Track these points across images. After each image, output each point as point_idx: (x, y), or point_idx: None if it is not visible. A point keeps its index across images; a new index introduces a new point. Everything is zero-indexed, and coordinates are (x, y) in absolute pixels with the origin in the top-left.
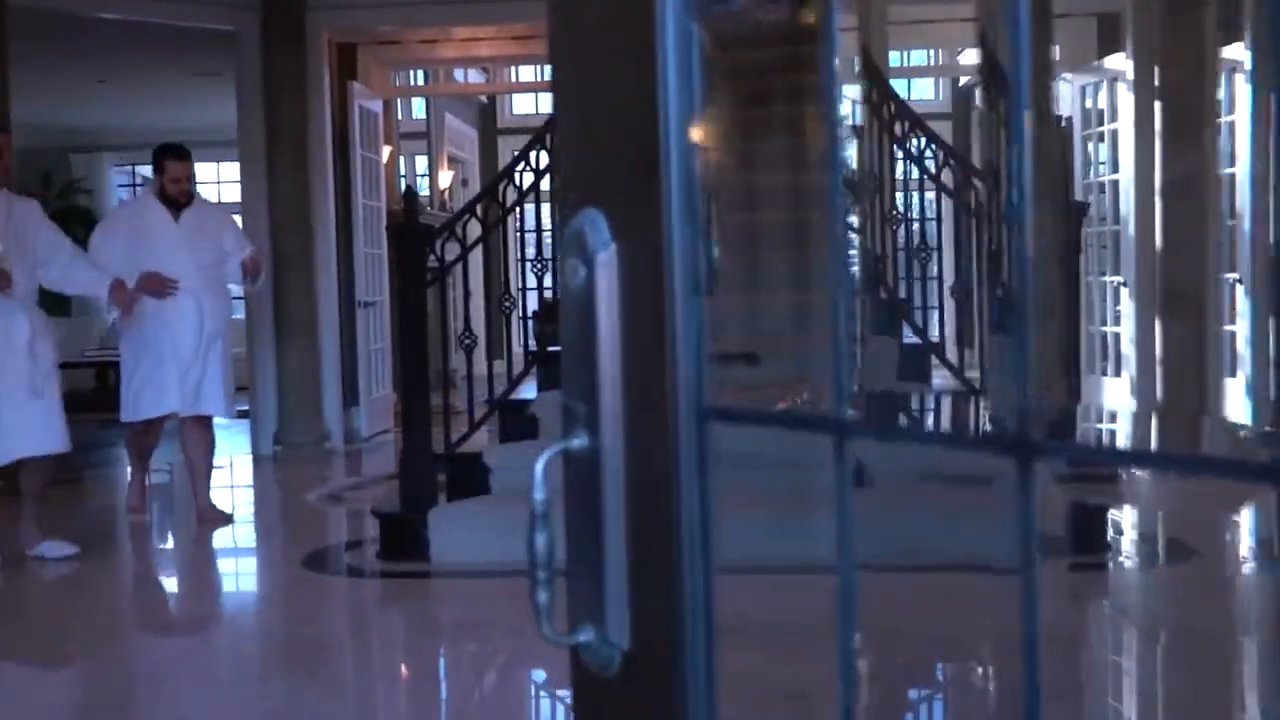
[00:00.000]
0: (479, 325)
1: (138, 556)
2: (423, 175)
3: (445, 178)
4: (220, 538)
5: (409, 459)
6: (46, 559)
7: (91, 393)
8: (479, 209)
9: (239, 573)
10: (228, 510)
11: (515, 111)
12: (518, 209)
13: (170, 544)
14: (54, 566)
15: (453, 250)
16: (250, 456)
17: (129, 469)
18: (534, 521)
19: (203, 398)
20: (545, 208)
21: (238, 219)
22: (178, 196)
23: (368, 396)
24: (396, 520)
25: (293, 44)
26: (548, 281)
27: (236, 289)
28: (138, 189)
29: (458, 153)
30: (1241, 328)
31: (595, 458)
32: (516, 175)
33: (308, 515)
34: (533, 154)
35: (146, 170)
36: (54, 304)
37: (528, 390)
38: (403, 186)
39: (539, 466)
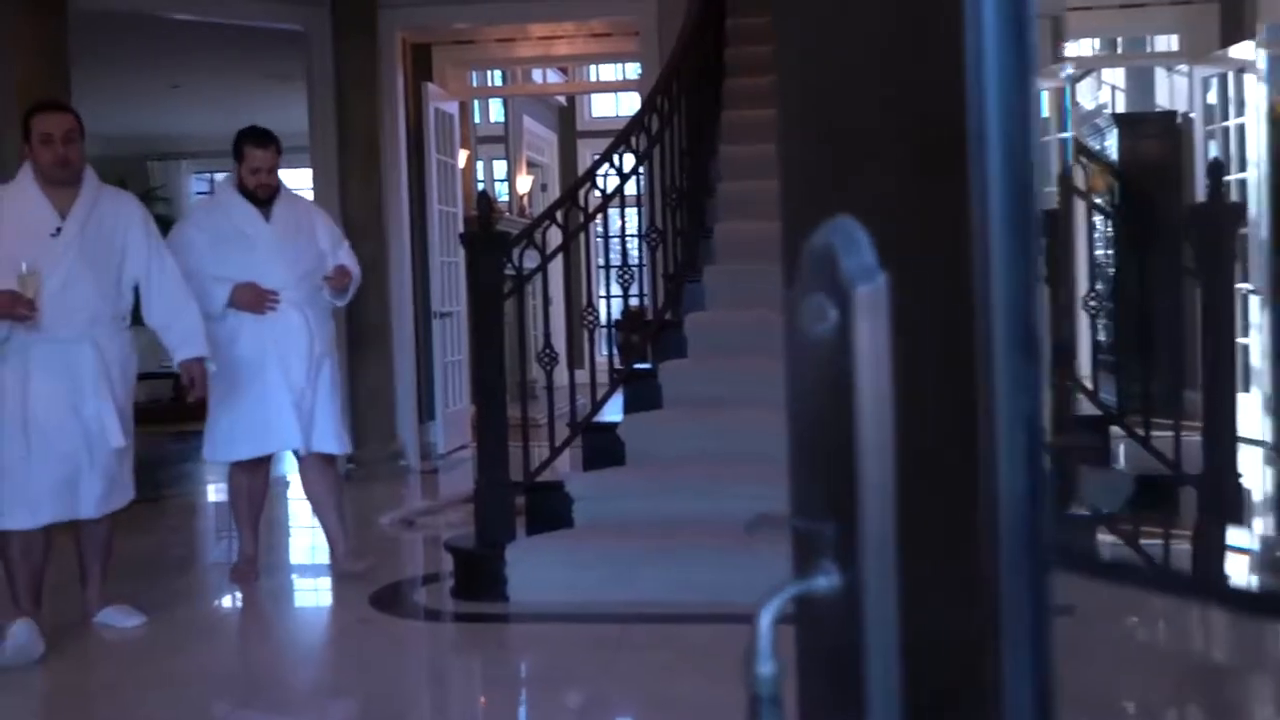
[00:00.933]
0: (558, 331)
1: (205, 600)
2: (501, 180)
3: (524, 182)
4: (286, 570)
5: (485, 493)
6: (112, 626)
7: (169, 404)
8: (559, 215)
9: (305, 610)
10: (367, 563)
11: (595, 113)
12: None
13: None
14: (119, 634)
15: (531, 259)
16: None
17: (234, 524)
18: (757, 709)
19: (318, 432)
20: (630, 213)
21: None
22: (257, 189)
23: (444, 410)
24: (472, 557)
25: (365, 43)
26: (629, 288)
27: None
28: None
29: (536, 157)
30: None
31: (851, 606)
32: (599, 179)
33: (379, 543)
34: (616, 156)
35: (225, 176)
36: (136, 306)
37: (612, 408)
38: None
39: (764, 621)
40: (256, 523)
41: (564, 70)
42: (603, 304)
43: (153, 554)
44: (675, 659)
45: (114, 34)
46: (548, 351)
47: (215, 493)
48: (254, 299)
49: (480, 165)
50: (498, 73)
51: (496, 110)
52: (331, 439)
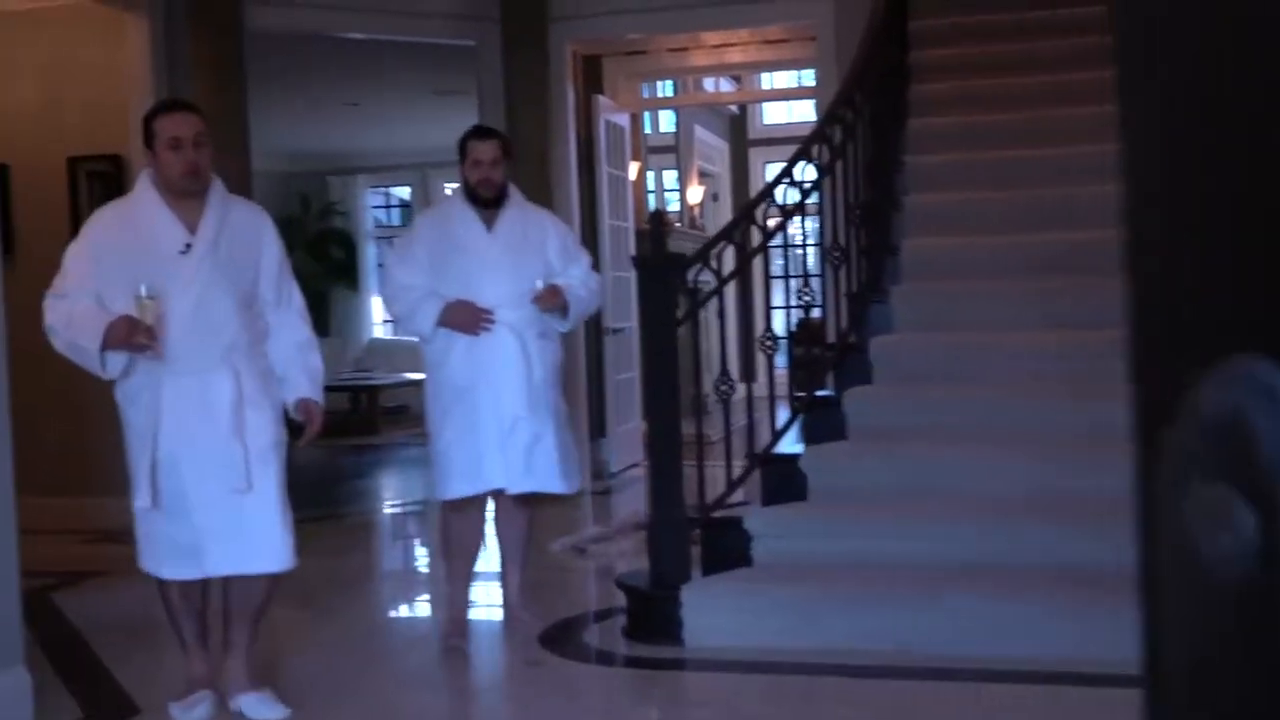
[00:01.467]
0: (731, 344)
1: (369, 634)
2: (671, 190)
3: (695, 193)
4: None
5: (659, 530)
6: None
7: (345, 416)
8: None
9: (474, 647)
10: (536, 616)
11: (767, 121)
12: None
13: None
14: None
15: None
16: None
17: (445, 576)
18: None
19: (535, 469)
20: (808, 222)
21: None
22: (480, 188)
23: (616, 429)
24: (646, 598)
25: (535, 57)
26: (810, 309)
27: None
28: (440, 196)
29: (708, 166)
30: None
31: None
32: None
33: (550, 573)
34: (796, 169)
35: (401, 191)
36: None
37: (790, 434)
38: (651, 204)
39: None
40: (469, 576)
41: (736, 78)
42: (775, 316)
43: (324, 578)
44: (865, 717)
45: (295, 54)
46: (725, 379)
47: (393, 509)
48: (466, 318)
49: (650, 175)
50: (669, 83)
51: (667, 120)
52: (555, 477)
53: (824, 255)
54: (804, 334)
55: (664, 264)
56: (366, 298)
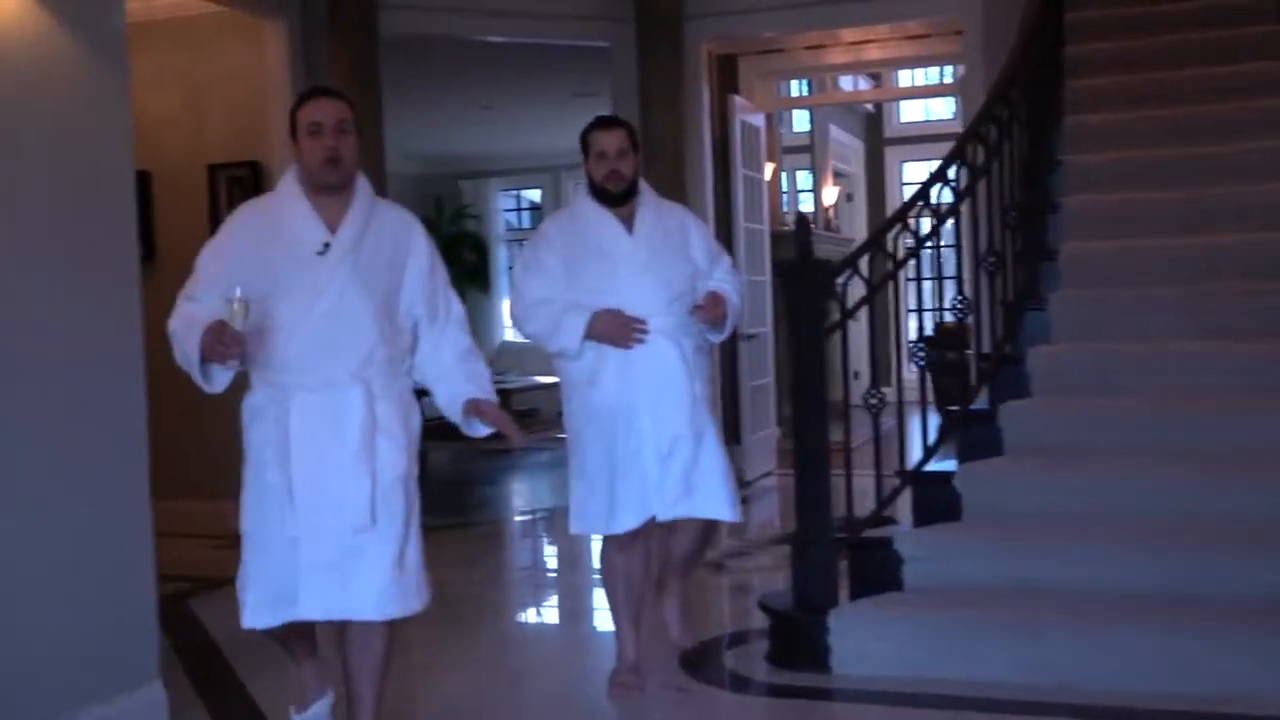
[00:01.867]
0: (861, 352)
1: (503, 649)
2: (804, 191)
3: (830, 194)
4: (586, 615)
5: (804, 549)
6: None
7: None
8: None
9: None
10: (694, 640)
11: (903, 119)
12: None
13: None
14: None
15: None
16: None
17: (613, 615)
18: None
19: (696, 492)
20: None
21: None
22: (607, 182)
23: (751, 436)
24: (790, 621)
25: (670, 57)
26: (965, 315)
27: None
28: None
29: (842, 166)
30: None
31: None
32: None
33: (689, 589)
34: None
35: (532, 194)
36: None
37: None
38: (785, 206)
39: None
40: (638, 616)
41: (874, 76)
42: (912, 318)
43: (457, 589)
44: None
45: (429, 58)
46: (874, 393)
47: (523, 517)
48: (618, 328)
49: (784, 177)
50: (804, 83)
51: (800, 120)
52: (724, 504)
53: (978, 260)
54: (943, 339)
55: (812, 270)
56: (498, 301)
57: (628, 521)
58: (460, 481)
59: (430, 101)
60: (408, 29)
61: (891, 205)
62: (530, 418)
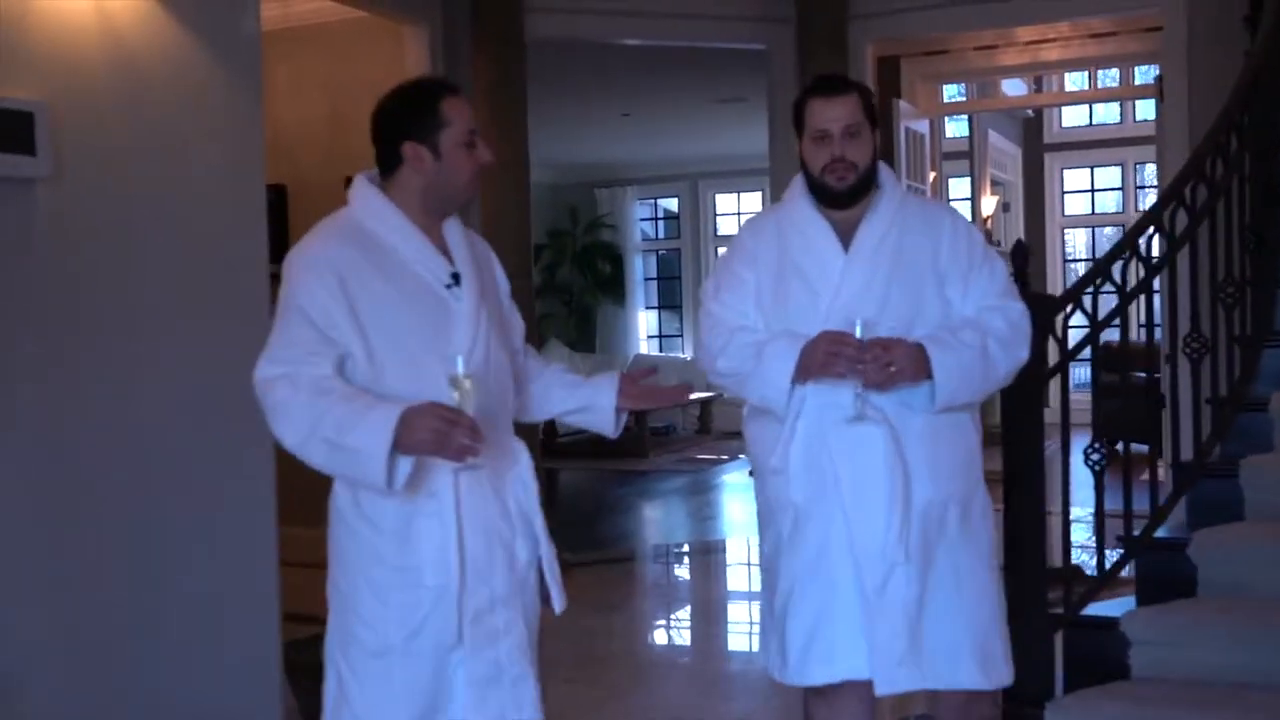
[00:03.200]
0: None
1: None
2: (960, 200)
3: (988, 204)
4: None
5: (1014, 631)
6: None
7: (596, 437)
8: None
9: None
10: None
11: (1065, 124)
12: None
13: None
14: None
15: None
16: None
17: None
18: None
19: (925, 654)
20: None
21: None
22: (828, 176)
23: None
24: (1002, 716)
25: (833, 59)
26: (1200, 359)
27: None
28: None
29: (998, 174)
30: None
31: None
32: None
33: None
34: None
35: (669, 204)
36: (577, 336)
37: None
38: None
39: None
40: None
41: (1038, 79)
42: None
43: (604, 647)
44: None
45: (568, 65)
46: (1096, 448)
47: (667, 551)
48: (824, 355)
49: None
50: (962, 86)
51: (957, 124)
52: (974, 670)
53: (1215, 291)
54: (1109, 362)
55: (1032, 307)
56: (634, 312)
57: (812, 675)
58: (596, 509)
59: (567, 108)
60: (554, 33)
61: (1051, 215)
62: (665, 434)
